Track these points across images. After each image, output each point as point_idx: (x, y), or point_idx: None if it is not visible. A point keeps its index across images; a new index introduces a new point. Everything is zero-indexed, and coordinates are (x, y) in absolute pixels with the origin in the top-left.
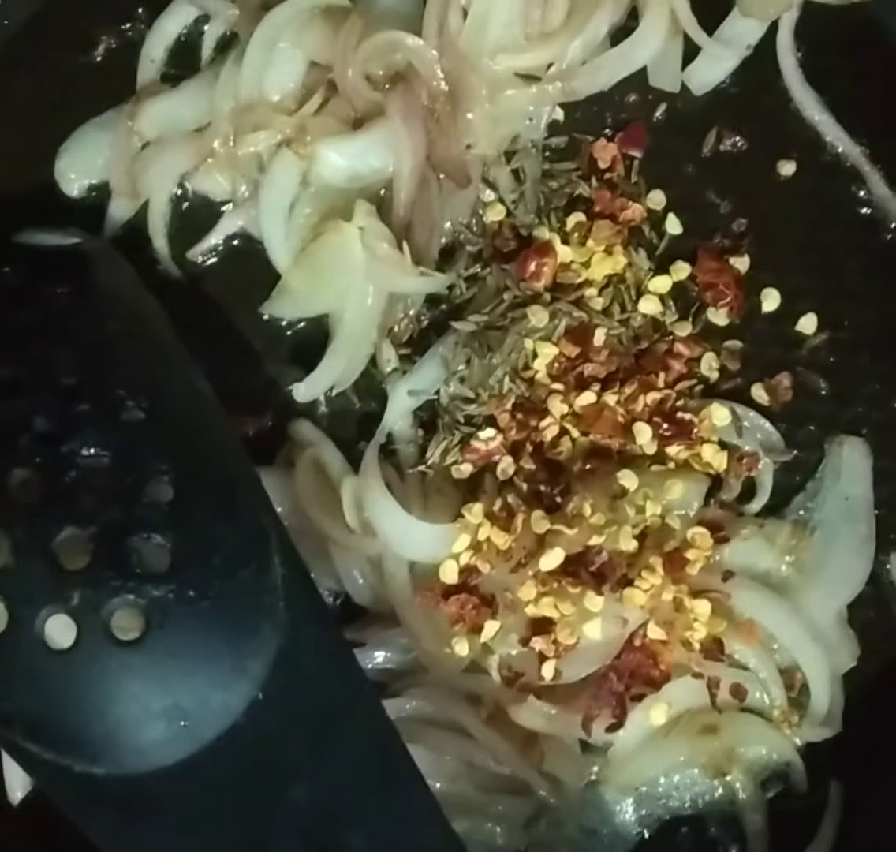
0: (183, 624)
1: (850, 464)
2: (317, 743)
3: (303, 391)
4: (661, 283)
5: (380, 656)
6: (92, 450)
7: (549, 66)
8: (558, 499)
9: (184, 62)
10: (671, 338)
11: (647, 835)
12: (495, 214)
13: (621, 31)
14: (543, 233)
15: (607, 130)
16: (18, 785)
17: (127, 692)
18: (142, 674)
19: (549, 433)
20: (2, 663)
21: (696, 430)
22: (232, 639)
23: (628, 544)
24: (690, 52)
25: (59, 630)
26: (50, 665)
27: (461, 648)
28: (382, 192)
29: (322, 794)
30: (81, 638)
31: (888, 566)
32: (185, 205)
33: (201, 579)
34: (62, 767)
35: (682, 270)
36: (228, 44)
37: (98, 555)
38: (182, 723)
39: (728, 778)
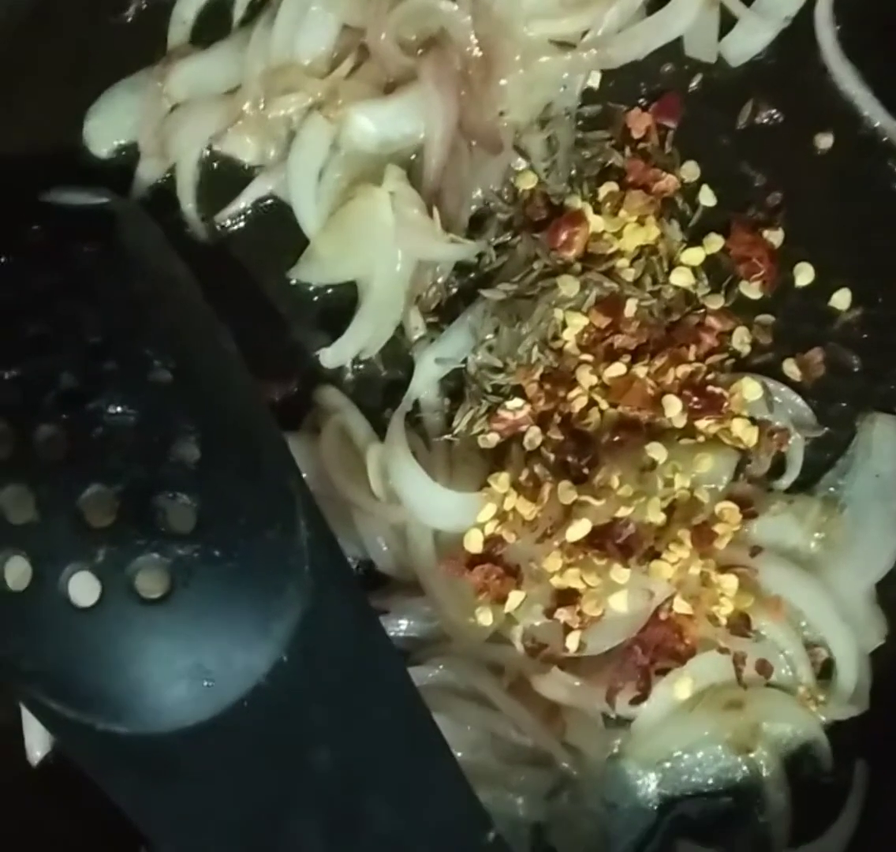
0: (208, 583)
1: (881, 441)
2: (340, 706)
3: (329, 357)
4: (694, 255)
5: (403, 624)
6: (118, 409)
7: (585, 33)
8: (585, 471)
9: (215, 24)
10: (703, 311)
11: (668, 811)
12: (527, 182)
13: (657, 0)
14: (575, 202)
15: (642, 100)
16: (38, 745)
17: (150, 651)
18: (165, 633)
19: (578, 404)
20: (25, 620)
21: (726, 404)
22: (257, 600)
23: (656, 516)
24: (727, 22)
25: (83, 588)
26: (73, 622)
27: (485, 618)
28: (413, 157)
29: (345, 759)
30: (105, 595)
31: None
32: (214, 168)
33: (227, 539)
34: (84, 726)
35: (715, 243)
36: (260, 6)
37: (124, 513)
38: (205, 684)
39: (752, 754)
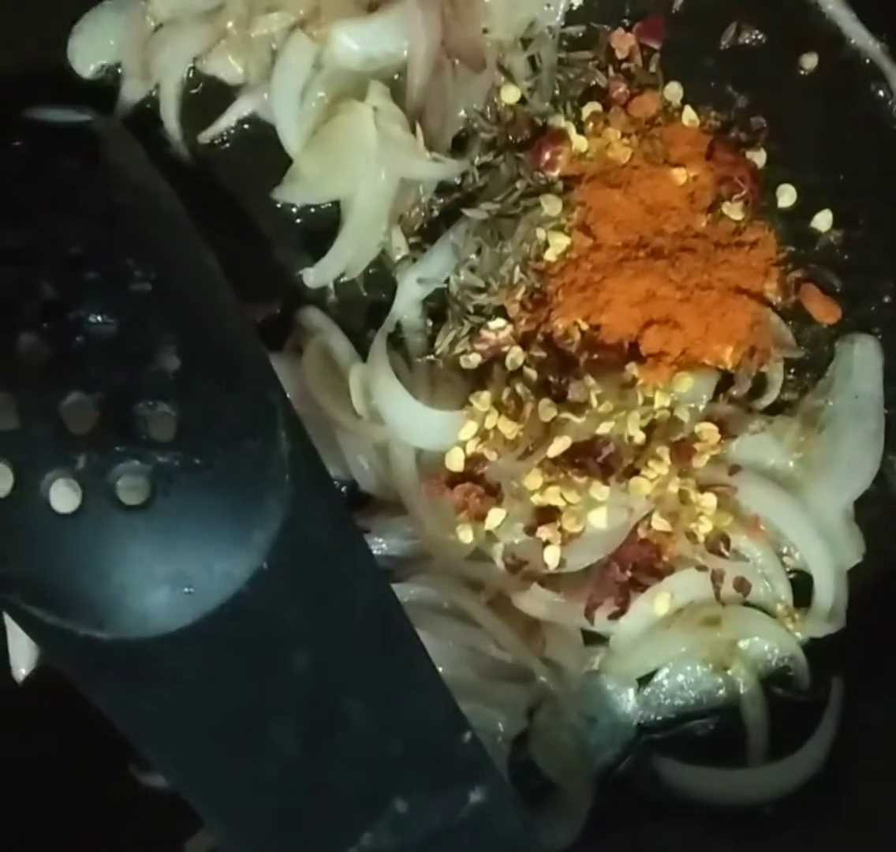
0: (188, 491)
1: (860, 361)
2: (319, 612)
3: (312, 277)
4: (677, 175)
5: (384, 543)
6: (99, 318)
7: None
8: (566, 389)
9: None
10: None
11: (648, 728)
12: (510, 102)
13: None
14: (558, 121)
15: (625, 20)
16: (23, 662)
17: (131, 557)
18: (146, 540)
19: (560, 324)
20: (7, 526)
21: None
22: (237, 509)
23: (636, 432)
24: None
25: (65, 495)
26: (55, 528)
27: (465, 536)
28: (396, 76)
29: (323, 663)
30: (86, 502)
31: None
32: (198, 88)
33: (207, 448)
34: (65, 632)
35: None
36: None
37: (104, 421)
38: (186, 590)
39: (729, 672)
